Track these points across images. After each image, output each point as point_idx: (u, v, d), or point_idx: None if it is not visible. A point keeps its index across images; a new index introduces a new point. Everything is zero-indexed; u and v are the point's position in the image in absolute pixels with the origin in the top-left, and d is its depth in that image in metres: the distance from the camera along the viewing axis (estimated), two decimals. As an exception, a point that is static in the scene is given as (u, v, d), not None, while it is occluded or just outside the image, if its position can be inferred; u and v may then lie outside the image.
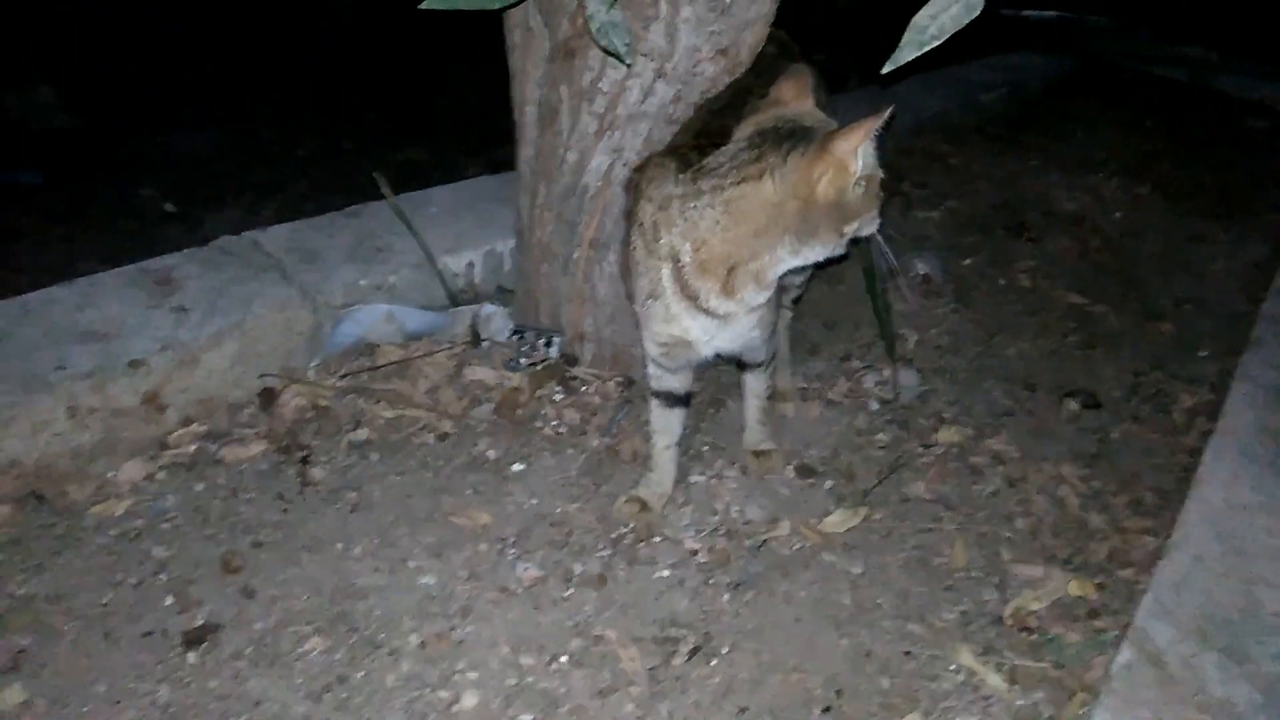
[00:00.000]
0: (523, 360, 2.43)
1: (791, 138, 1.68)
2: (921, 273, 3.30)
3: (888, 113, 1.62)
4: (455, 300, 2.50)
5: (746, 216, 1.69)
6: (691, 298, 1.77)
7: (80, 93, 4.12)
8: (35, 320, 2.10)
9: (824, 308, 3.02)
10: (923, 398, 2.60)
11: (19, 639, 1.65)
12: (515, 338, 2.44)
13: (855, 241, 1.81)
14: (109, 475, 1.97)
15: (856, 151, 1.62)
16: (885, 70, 1.47)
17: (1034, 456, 2.39)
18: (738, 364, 2.18)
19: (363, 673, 1.67)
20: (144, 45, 4.47)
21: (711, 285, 1.75)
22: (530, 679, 1.69)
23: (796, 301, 2.51)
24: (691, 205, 1.73)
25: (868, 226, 1.75)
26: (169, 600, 1.76)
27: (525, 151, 2.37)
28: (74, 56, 4.30)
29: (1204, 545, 1.79)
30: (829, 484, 2.24)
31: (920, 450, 2.38)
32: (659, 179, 1.81)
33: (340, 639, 1.72)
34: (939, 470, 2.31)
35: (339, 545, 1.91)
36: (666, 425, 2.07)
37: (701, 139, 1.92)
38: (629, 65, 1.99)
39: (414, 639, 1.74)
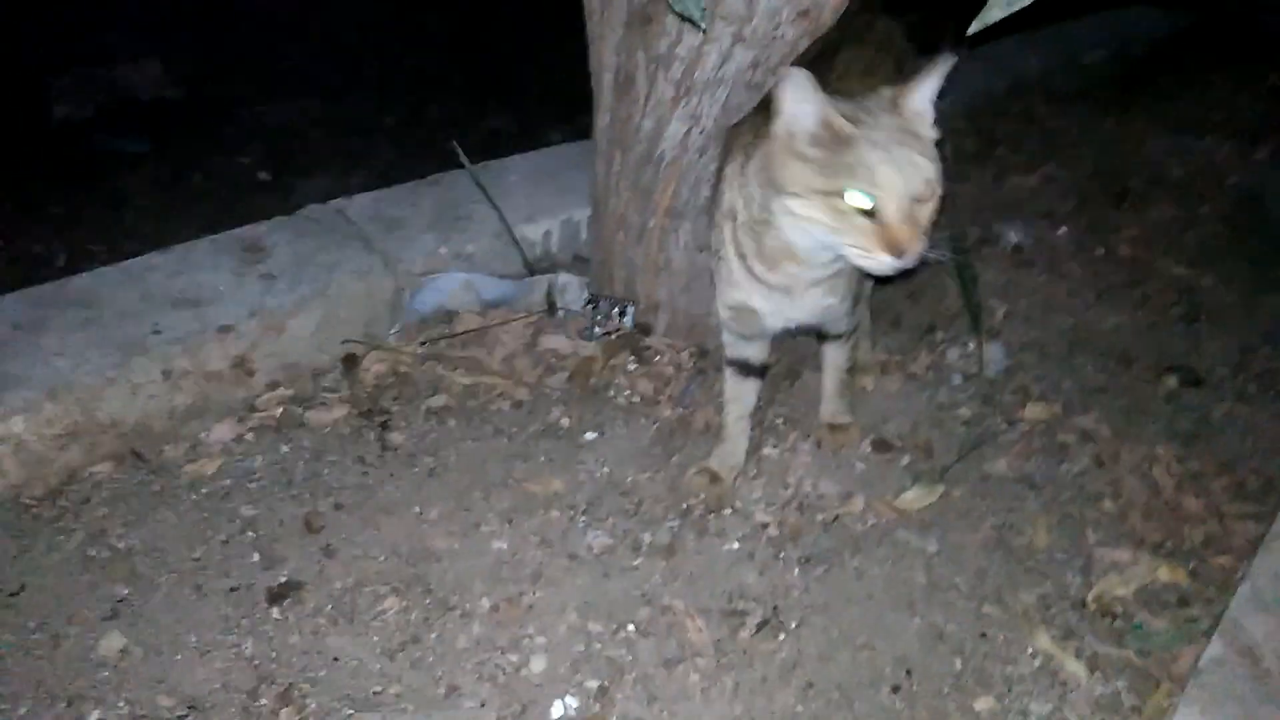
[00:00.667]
0: (597, 330, 2.43)
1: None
2: (1013, 241, 3.18)
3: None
4: (532, 269, 2.51)
5: (755, 177, 1.64)
6: (744, 260, 1.74)
7: (185, 65, 4.27)
8: (134, 285, 2.20)
9: (908, 276, 2.93)
10: (1009, 372, 2.51)
11: (119, 588, 1.75)
12: (590, 307, 2.44)
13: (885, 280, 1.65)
14: (201, 435, 2.06)
15: (780, 96, 1.50)
16: (972, 31, 1.41)
17: (1127, 436, 2.29)
18: (817, 334, 2.14)
19: (435, 633, 1.71)
20: (245, 18, 4.60)
21: (754, 250, 1.71)
22: (597, 646, 1.71)
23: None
24: (747, 160, 1.69)
25: (835, 241, 1.54)
26: (255, 557, 1.83)
27: (601, 119, 2.36)
28: (179, 29, 4.46)
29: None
30: (906, 460, 2.19)
31: (1004, 427, 2.31)
32: (742, 134, 1.77)
33: (415, 600, 1.77)
34: (1023, 448, 2.24)
35: (415, 509, 1.96)
36: (739, 395, 2.05)
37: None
38: (704, 30, 1.95)
39: (485, 602, 1.77)
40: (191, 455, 2.03)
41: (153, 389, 2.00)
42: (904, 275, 1.59)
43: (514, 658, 1.68)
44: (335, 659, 1.66)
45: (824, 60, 1.94)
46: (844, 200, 1.49)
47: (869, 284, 2.43)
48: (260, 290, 2.24)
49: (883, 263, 1.50)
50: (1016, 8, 1.38)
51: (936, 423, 2.32)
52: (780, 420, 2.28)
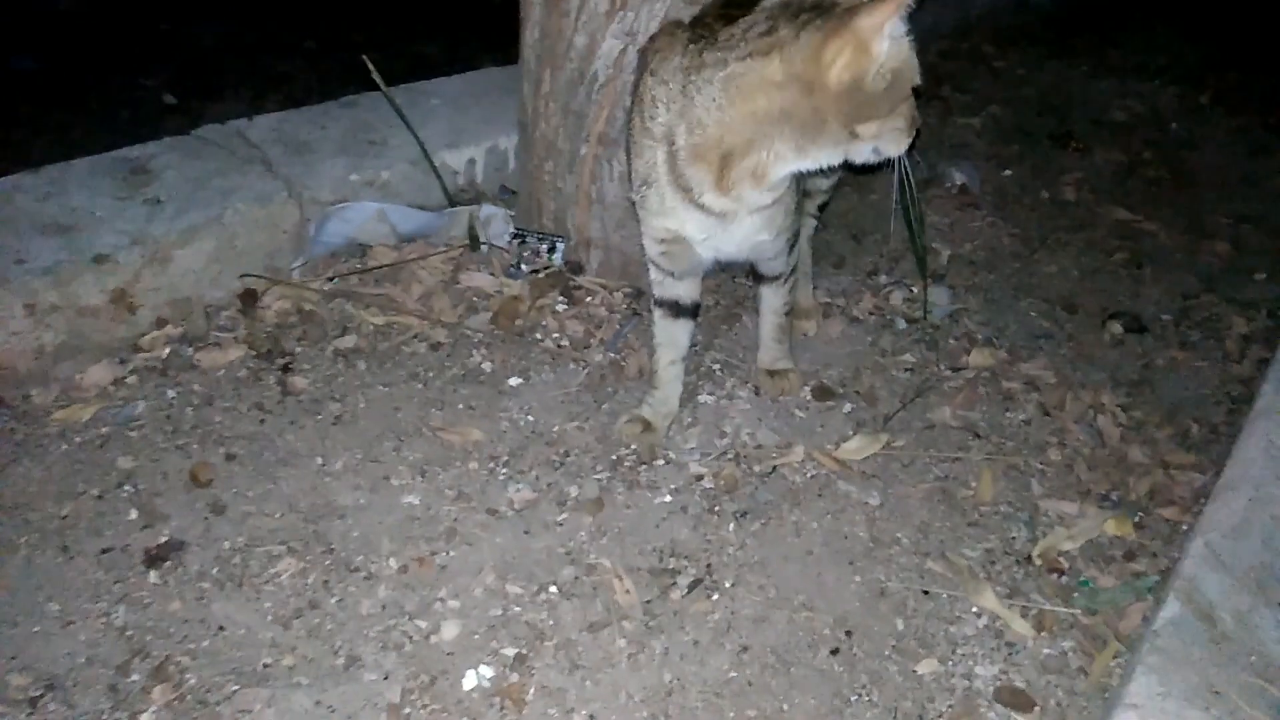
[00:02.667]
0: (524, 266, 2.25)
1: (814, 9, 1.47)
2: (958, 183, 3.08)
3: None
4: (453, 200, 2.32)
5: (746, 99, 1.49)
6: (685, 189, 1.59)
7: None
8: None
9: (852, 218, 2.81)
10: (954, 317, 2.41)
11: (-30, 552, 1.55)
12: (516, 242, 2.26)
13: (877, 166, 1.60)
14: (76, 378, 1.85)
15: (882, 29, 1.41)
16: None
17: (1072, 383, 2.22)
18: (753, 275, 2.00)
19: (336, 598, 1.56)
20: None
21: (705, 176, 1.56)
22: (516, 609, 1.57)
23: (822, 209, 2.30)
24: (693, 80, 1.53)
25: (890, 141, 1.53)
26: (133, 514, 1.64)
27: (529, 35, 2.16)
28: None
29: (1263, 486, 1.61)
30: (848, 408, 2.08)
31: (948, 373, 2.21)
32: (667, 49, 1.61)
33: (314, 561, 1.61)
34: (968, 395, 2.14)
35: (318, 460, 1.78)
36: (671, 338, 1.90)
37: (732, 8, 1.70)
38: None
39: (393, 563, 1.62)
40: (63, 400, 1.82)
41: (14, 325, 1.78)
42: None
43: (423, 624, 1.53)
44: (220, 628, 1.49)
45: None
46: (911, 98, 1.52)
47: (810, 224, 2.30)
48: (144, 216, 2.00)
49: (910, 139, 1.56)
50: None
51: (879, 369, 2.21)
52: (717, 366, 2.15)
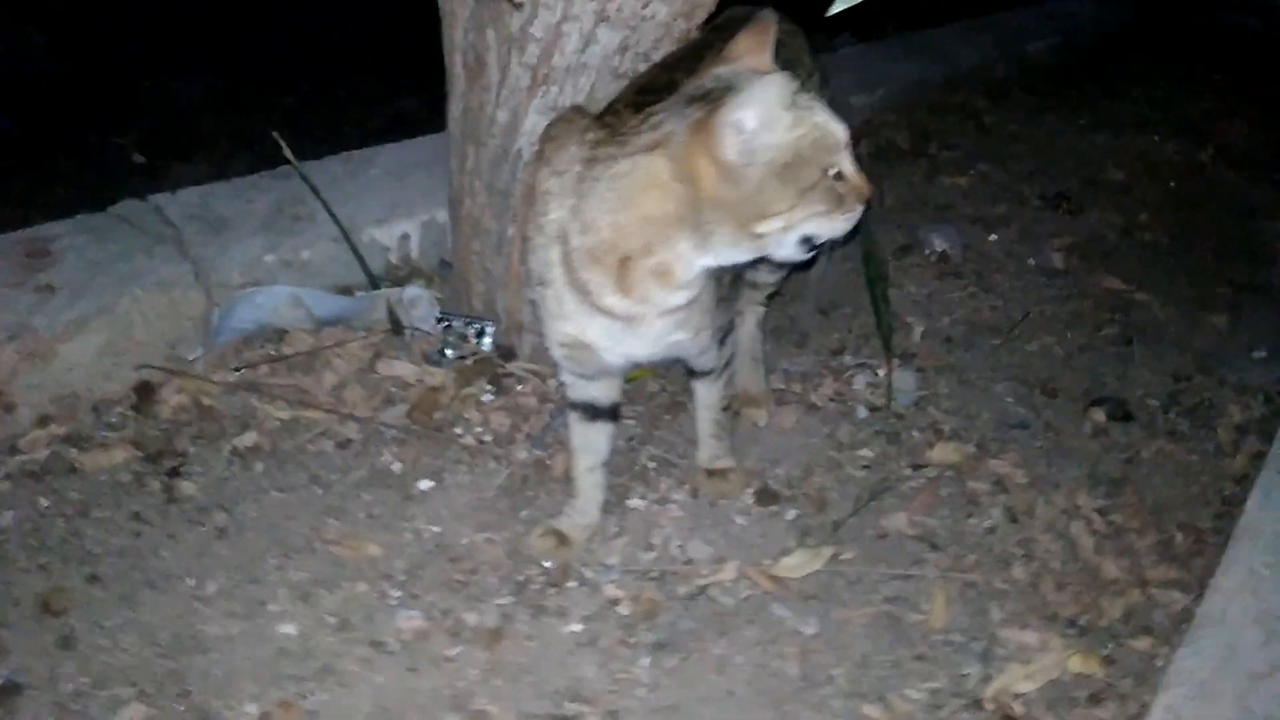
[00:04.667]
0: (449, 353, 2.10)
1: (704, 99, 1.31)
2: (938, 249, 2.90)
3: (778, 79, 1.28)
4: (376, 281, 2.17)
5: (637, 200, 1.34)
6: (584, 292, 1.42)
7: (70, 38, 3.83)
8: None
9: (823, 288, 2.63)
10: (920, 404, 2.23)
11: None
12: (442, 326, 2.11)
13: (817, 247, 1.43)
14: (-62, 487, 1.70)
15: (741, 123, 1.27)
16: (832, 12, 1.09)
17: (1045, 482, 2.02)
18: (686, 370, 1.83)
19: (184, 753, 1.38)
20: None
21: (603, 279, 1.40)
22: (386, 767, 1.39)
23: (771, 298, 2.13)
24: (586, 176, 1.38)
25: (817, 229, 1.36)
26: (-27, 649, 1.48)
27: (454, 109, 2.02)
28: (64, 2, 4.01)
29: (1241, 631, 1.41)
30: (793, 513, 1.89)
31: (908, 472, 2.02)
32: (562, 138, 1.46)
33: (165, 706, 1.44)
34: (927, 498, 1.96)
35: (190, 581, 1.62)
36: (589, 443, 1.73)
37: (644, 95, 1.55)
38: (518, 6, 1.62)
39: (253, 709, 1.45)
40: (-77, 511, 1.66)
41: None
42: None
43: (277, 786, 1.35)
44: (45, 792, 1.32)
45: (685, 64, 1.62)
46: (829, 177, 1.34)
47: (758, 311, 2.13)
48: (30, 306, 1.87)
49: (858, 214, 1.40)
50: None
51: (833, 466, 2.03)
52: (653, 464, 1.97)
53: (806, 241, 1.39)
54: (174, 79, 3.79)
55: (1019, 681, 1.57)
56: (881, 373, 2.28)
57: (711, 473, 1.91)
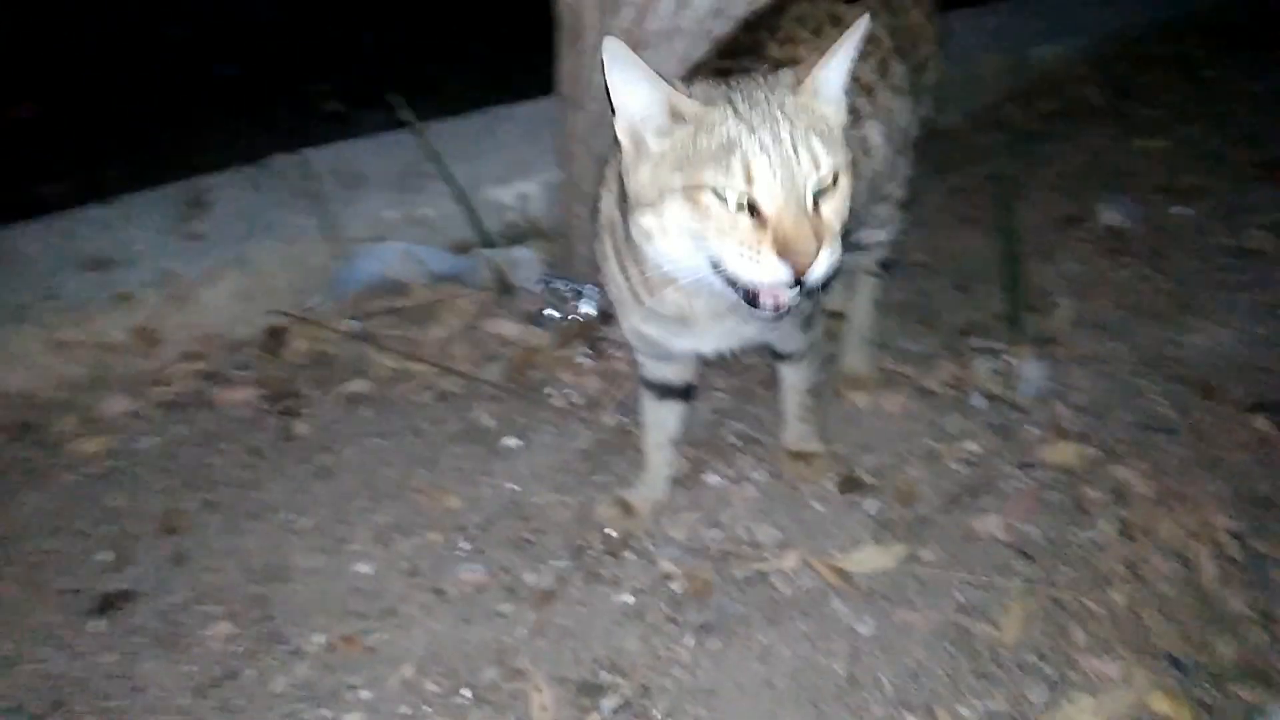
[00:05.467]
0: (551, 313, 2.14)
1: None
2: (1109, 223, 2.63)
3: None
4: (487, 240, 2.23)
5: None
6: (629, 281, 1.39)
7: None
8: (57, 241, 2.09)
9: (966, 263, 2.46)
10: (1046, 396, 2.05)
11: (-43, 580, 1.66)
12: (544, 288, 2.15)
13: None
14: (96, 410, 1.93)
15: (611, 76, 1.18)
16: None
17: (1176, 496, 1.82)
18: (770, 350, 1.77)
19: (256, 671, 1.53)
20: None
21: (637, 276, 1.36)
22: (425, 710, 1.48)
23: (885, 266, 2.01)
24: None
25: (714, 250, 1.17)
26: (108, 555, 1.70)
27: (560, 72, 2.03)
28: None
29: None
30: (875, 505, 1.81)
31: (1014, 471, 1.88)
32: None
33: (248, 626, 1.59)
34: (1029, 502, 1.81)
35: (288, 515, 1.77)
36: (658, 420, 1.73)
37: (725, 60, 1.50)
38: None
39: (321, 639, 1.58)
40: (81, 430, 1.91)
41: (38, 359, 1.89)
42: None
43: (327, 713, 1.48)
44: (139, 688, 1.51)
45: (768, 20, 1.54)
46: (712, 196, 1.16)
47: (869, 282, 2.01)
48: (178, 252, 2.08)
49: (775, 271, 1.15)
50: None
51: (931, 458, 1.92)
52: (737, 440, 1.94)
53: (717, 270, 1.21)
54: (370, 28, 4.01)
55: (1086, 714, 1.44)
56: (1010, 359, 2.12)
57: (795, 455, 1.86)
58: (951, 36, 3.19)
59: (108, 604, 1.62)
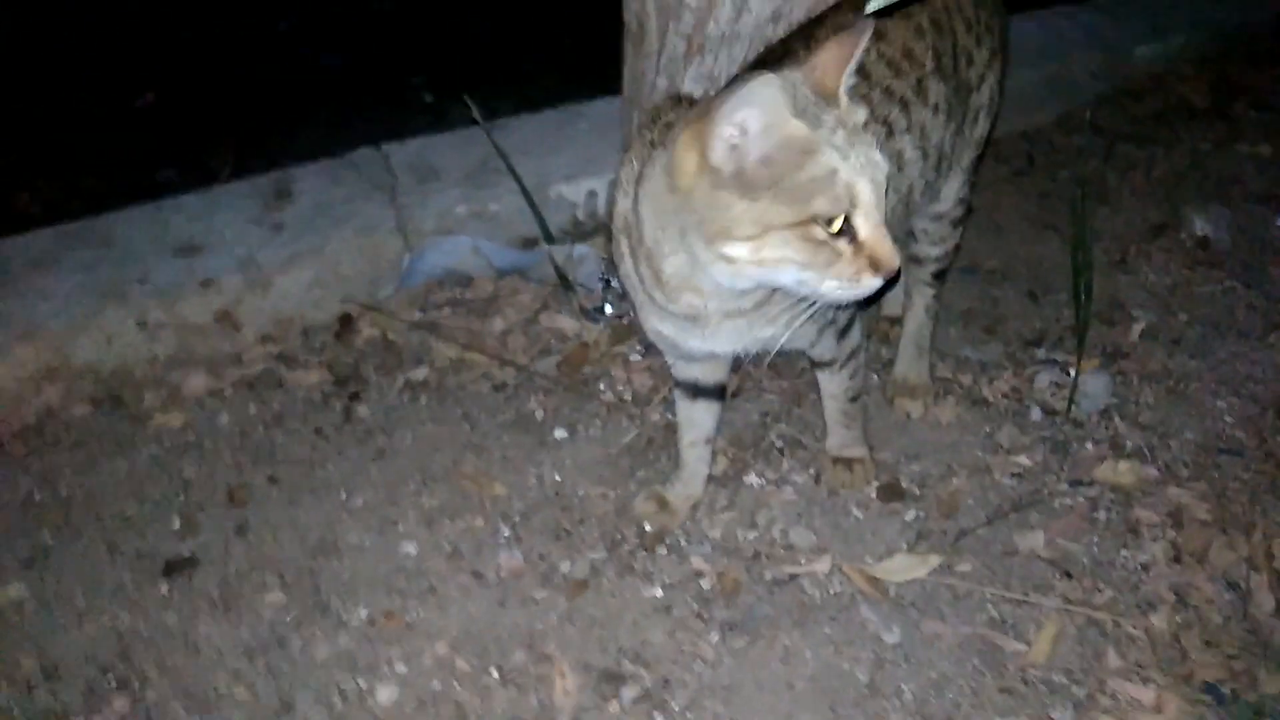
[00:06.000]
0: (607, 310, 2.19)
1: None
2: (1200, 232, 2.53)
3: (773, 80, 1.11)
4: (549, 236, 2.29)
5: (650, 192, 1.30)
6: (644, 284, 1.42)
7: None
8: (152, 228, 2.24)
9: (1043, 270, 2.41)
10: (1107, 412, 2.00)
11: (47, 537, 1.81)
12: (602, 285, 2.20)
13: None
14: (179, 387, 2.07)
15: (721, 127, 1.13)
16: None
17: (1236, 522, 1.75)
18: (806, 357, 1.78)
19: (301, 640, 1.63)
20: None
21: (649, 276, 1.39)
22: (455, 686, 1.56)
23: (939, 277, 1.99)
24: (646, 164, 1.36)
25: (808, 279, 1.20)
26: (176, 523, 1.83)
27: (626, 74, 2.07)
28: None
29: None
30: (914, 514, 1.80)
31: (1064, 488, 1.84)
32: (647, 125, 1.45)
33: (299, 596, 1.69)
34: (1077, 521, 1.78)
35: (344, 494, 1.87)
36: (691, 419, 1.75)
37: (757, 68, 1.51)
38: None
39: (363, 613, 1.66)
40: (166, 405, 2.05)
41: (128, 337, 2.04)
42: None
43: (364, 683, 1.56)
44: (198, 649, 1.62)
45: (806, 28, 1.54)
46: (819, 228, 1.17)
47: (927, 292, 1.99)
48: (260, 241, 2.20)
49: (869, 287, 1.22)
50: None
51: (979, 470, 1.89)
52: (781, 442, 1.95)
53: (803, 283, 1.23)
54: (471, 18, 4.11)
55: (1111, 740, 1.41)
56: (1073, 372, 2.06)
57: (837, 460, 1.86)
58: (1045, 35, 3.10)
59: (174, 568, 1.74)
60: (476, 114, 2.23)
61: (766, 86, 1.11)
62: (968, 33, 1.68)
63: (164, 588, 1.72)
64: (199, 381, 2.07)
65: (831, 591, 1.67)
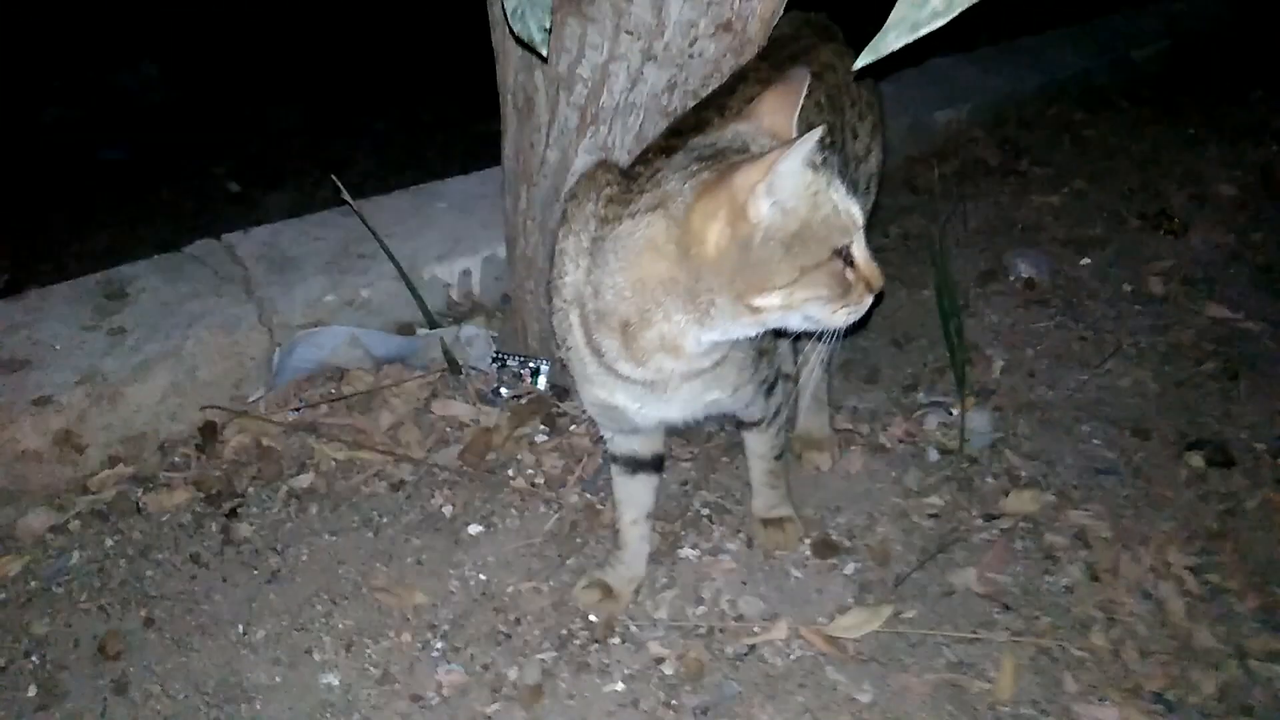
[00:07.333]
0: (504, 392, 2.08)
1: (712, 159, 1.25)
2: (1024, 275, 2.75)
3: (816, 134, 1.17)
4: (432, 320, 2.17)
5: (633, 263, 1.28)
6: (601, 355, 1.37)
7: (182, 68, 4.05)
8: (-42, 345, 1.91)
9: (898, 319, 2.53)
10: (996, 446, 2.10)
11: None
12: (496, 365, 2.09)
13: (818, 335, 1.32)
14: (14, 527, 1.76)
15: (762, 188, 1.18)
16: (860, 64, 1.02)
17: (1132, 536, 1.88)
18: (734, 419, 1.76)
19: (221, 808, 1.39)
20: (243, 19, 4.35)
21: (615, 346, 1.34)
22: (417, 830, 1.37)
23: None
24: (598, 235, 1.33)
25: (821, 313, 1.25)
26: (32, 691, 1.53)
27: (507, 148, 2.01)
28: (178, 33, 4.23)
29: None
30: (853, 567, 1.80)
31: (980, 522, 1.91)
32: (581, 196, 1.41)
33: (207, 757, 1.45)
34: (1000, 553, 1.84)
35: (240, 627, 1.64)
36: (631, 496, 1.68)
37: (673, 139, 1.50)
38: (544, 58, 1.58)
39: (291, 763, 1.44)
40: (-2, 550, 1.73)
41: (-55, 475, 1.71)
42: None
43: (308, 847, 1.35)
44: (88, 842, 1.34)
45: (717, 99, 1.57)
46: (840, 260, 1.24)
47: (819, 348, 2.03)
48: (101, 349, 1.94)
49: (865, 306, 1.30)
50: (921, 33, 0.99)
51: (899, 515, 1.93)
52: (706, 511, 1.91)
53: (810, 319, 1.28)
54: (270, 107, 3.95)
55: (1091, 764, 1.45)
56: (955, 412, 2.16)
57: (767, 522, 1.84)
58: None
59: (41, 747, 1.45)
60: (346, 194, 2.09)
61: (796, 154, 1.16)
62: (852, 108, 1.77)
63: (30, 774, 1.42)
64: (38, 518, 1.77)
65: (793, 657, 1.63)
